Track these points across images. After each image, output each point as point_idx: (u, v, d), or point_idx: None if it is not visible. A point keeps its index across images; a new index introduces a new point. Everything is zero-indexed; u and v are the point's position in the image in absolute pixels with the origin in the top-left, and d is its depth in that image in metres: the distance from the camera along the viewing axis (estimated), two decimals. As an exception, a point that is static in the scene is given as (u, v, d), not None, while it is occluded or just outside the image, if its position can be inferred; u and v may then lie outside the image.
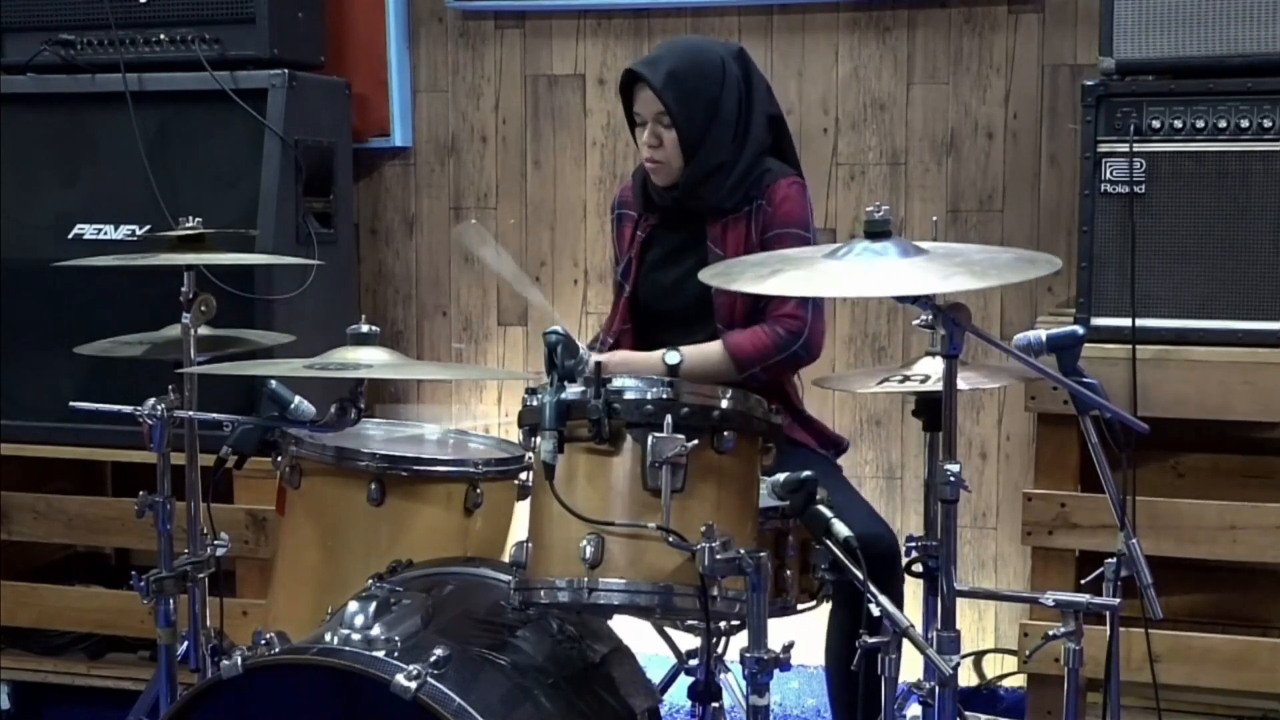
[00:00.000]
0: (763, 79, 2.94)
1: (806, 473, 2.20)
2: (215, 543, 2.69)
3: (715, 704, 2.15)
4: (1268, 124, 2.84)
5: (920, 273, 2.08)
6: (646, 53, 3.80)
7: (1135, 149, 2.89)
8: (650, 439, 2.07)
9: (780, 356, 2.80)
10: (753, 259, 2.40)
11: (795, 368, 2.88)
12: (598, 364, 2.14)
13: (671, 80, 2.79)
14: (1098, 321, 2.92)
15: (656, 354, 2.79)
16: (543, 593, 2.14)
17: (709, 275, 2.28)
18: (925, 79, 3.71)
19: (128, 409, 2.59)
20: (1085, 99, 2.93)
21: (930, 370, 2.59)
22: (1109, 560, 2.21)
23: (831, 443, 2.99)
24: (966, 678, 3.60)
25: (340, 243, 3.78)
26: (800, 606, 2.33)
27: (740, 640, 2.15)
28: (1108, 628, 2.24)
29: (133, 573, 2.65)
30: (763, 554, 2.07)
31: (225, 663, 2.09)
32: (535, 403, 2.12)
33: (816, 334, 2.83)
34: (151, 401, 2.58)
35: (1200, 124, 2.87)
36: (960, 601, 2.10)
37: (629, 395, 2.11)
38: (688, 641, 3.00)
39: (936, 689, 2.06)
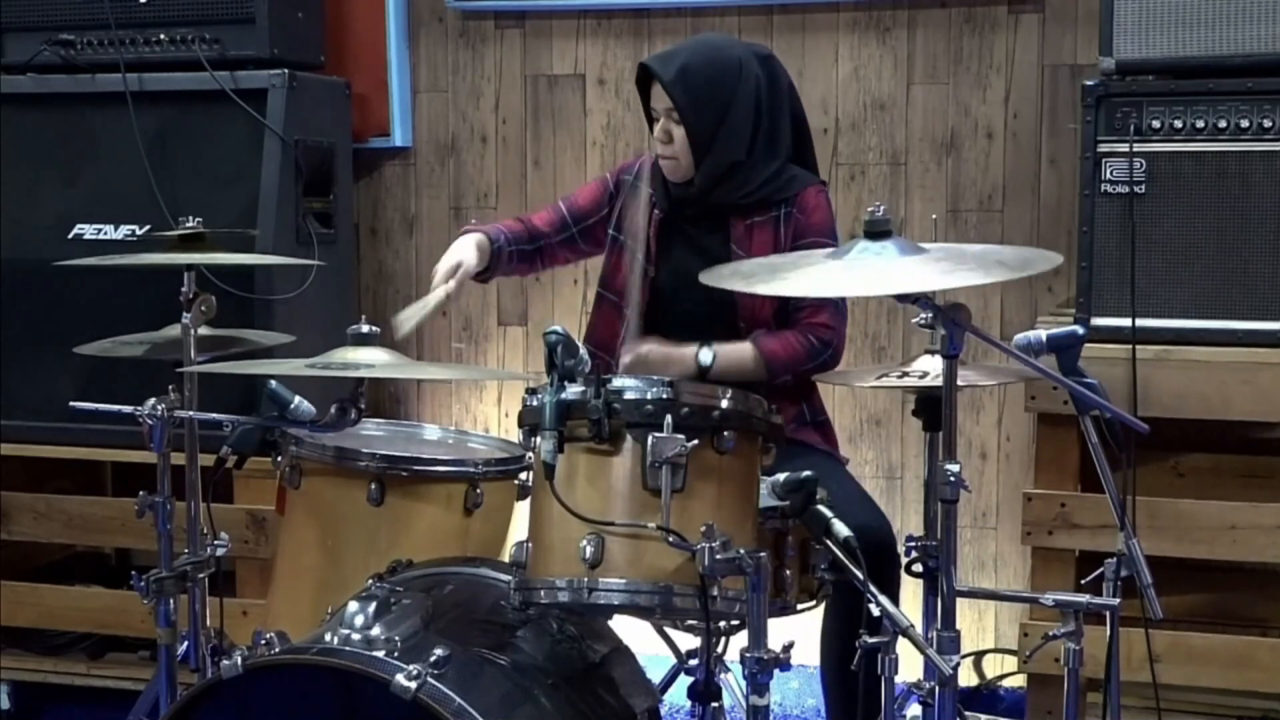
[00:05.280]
0: (789, 82, 2.95)
1: (806, 473, 2.20)
2: (215, 543, 2.69)
3: (715, 704, 2.15)
4: (1268, 124, 2.84)
5: (921, 270, 2.08)
6: (646, 53, 3.82)
7: (1135, 149, 2.89)
8: (650, 439, 2.07)
9: (811, 365, 2.85)
10: (759, 263, 2.42)
11: (820, 372, 2.91)
12: (597, 364, 2.14)
13: (682, 77, 2.79)
14: (1098, 321, 2.92)
15: (690, 350, 2.81)
16: (543, 593, 2.14)
17: (710, 277, 2.29)
18: (925, 79, 3.71)
19: (128, 409, 2.58)
20: (1085, 99, 2.93)
21: (929, 368, 2.59)
22: (1109, 560, 2.21)
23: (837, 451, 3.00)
24: (966, 678, 3.60)
25: (340, 243, 3.78)
26: (800, 606, 2.33)
27: (740, 640, 2.15)
28: (1108, 628, 2.24)
29: (133, 573, 2.65)
30: (763, 554, 2.07)
31: (225, 663, 2.08)
32: (535, 403, 2.12)
33: (843, 340, 2.90)
34: (151, 401, 2.57)
35: (1200, 124, 2.87)
36: (960, 601, 2.10)
37: (629, 395, 2.11)
38: (688, 641, 3.00)
39: (936, 689, 2.06)
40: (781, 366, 2.83)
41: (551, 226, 3.03)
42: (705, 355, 2.80)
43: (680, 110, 2.80)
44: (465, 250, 2.91)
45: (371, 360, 2.43)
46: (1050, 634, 2.25)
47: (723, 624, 2.32)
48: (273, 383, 2.45)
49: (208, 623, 2.71)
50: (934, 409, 2.45)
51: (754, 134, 2.85)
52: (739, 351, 2.82)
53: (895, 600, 2.50)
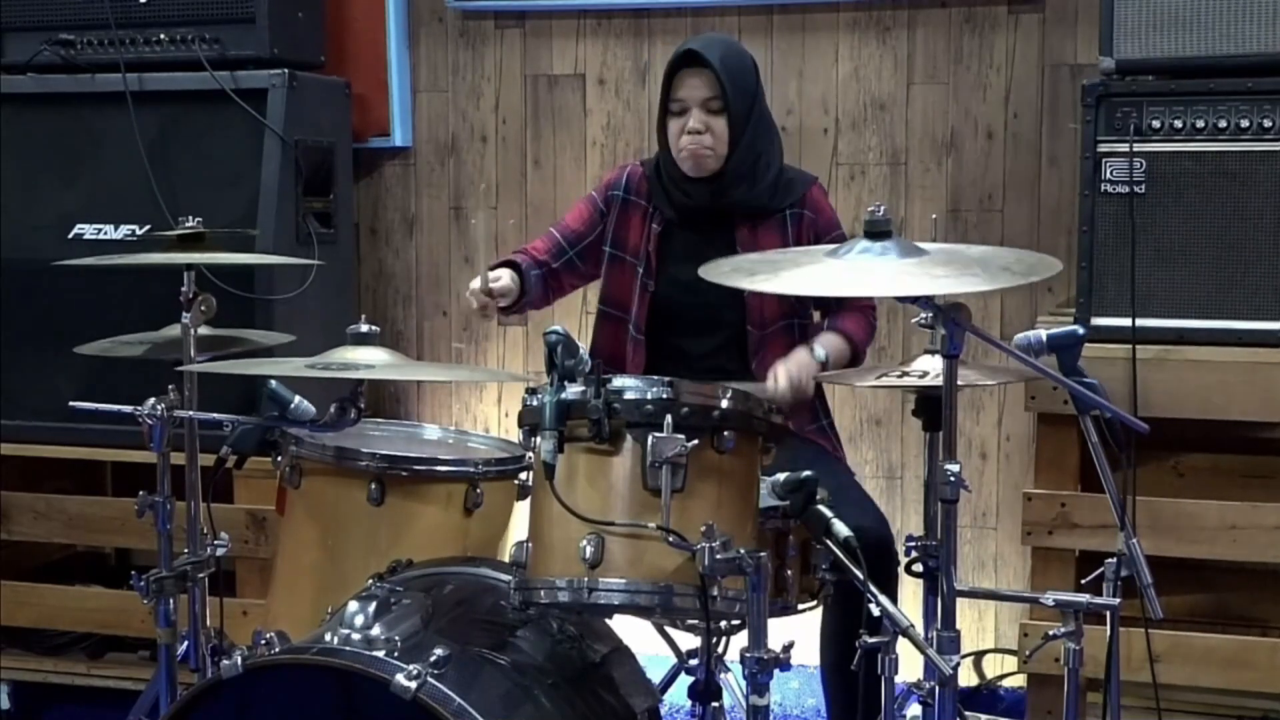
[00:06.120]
0: None
1: (806, 473, 2.20)
2: (215, 543, 2.69)
3: (715, 704, 2.15)
4: (1268, 124, 2.84)
5: (925, 272, 2.08)
6: (646, 52, 3.84)
7: (1135, 149, 2.89)
8: (650, 439, 2.07)
9: (871, 341, 2.99)
10: (754, 257, 2.42)
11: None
12: (597, 363, 2.14)
13: (725, 64, 2.82)
14: (1098, 321, 2.92)
15: (805, 353, 2.82)
16: (543, 592, 2.14)
17: (710, 272, 2.28)
18: (925, 79, 3.71)
19: (128, 409, 2.59)
20: (1085, 99, 2.93)
21: (929, 368, 2.59)
22: (1109, 560, 2.21)
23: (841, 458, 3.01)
24: (966, 678, 3.60)
25: (340, 243, 3.78)
26: (800, 606, 2.33)
27: (740, 640, 2.15)
28: (1108, 628, 2.24)
29: (133, 573, 2.65)
30: (763, 554, 2.07)
31: (225, 663, 2.09)
32: (535, 403, 2.12)
33: None
34: (151, 401, 2.57)
35: (1200, 124, 2.87)
36: (960, 601, 2.10)
37: (629, 395, 2.11)
38: (688, 641, 3.00)
39: (936, 689, 2.06)
40: (861, 345, 2.93)
41: (550, 254, 3.02)
42: (819, 352, 2.84)
43: (727, 98, 2.81)
44: (500, 271, 2.88)
45: (371, 360, 2.43)
46: (1050, 634, 2.25)
47: (723, 624, 2.32)
48: (273, 383, 2.45)
49: (208, 623, 2.71)
50: (934, 409, 2.45)
51: (768, 126, 2.88)
52: (836, 343, 2.88)
53: (894, 600, 2.50)
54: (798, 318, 2.94)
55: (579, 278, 3.08)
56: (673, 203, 2.93)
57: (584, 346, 2.16)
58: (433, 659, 2.04)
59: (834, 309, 2.98)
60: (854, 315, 2.94)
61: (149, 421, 2.57)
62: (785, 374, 2.73)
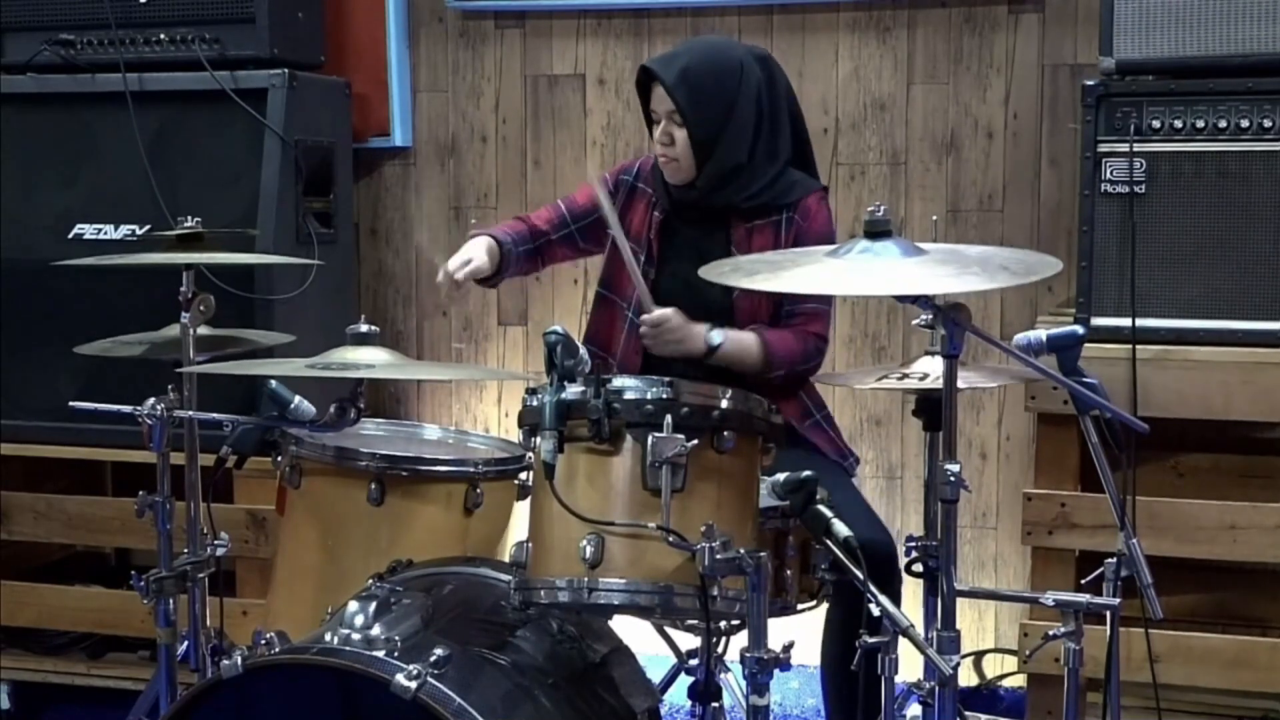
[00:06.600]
0: (787, 83, 2.94)
1: (807, 473, 2.20)
2: (215, 543, 2.69)
3: (715, 704, 2.15)
4: (1268, 124, 2.84)
5: (924, 272, 2.08)
6: (646, 53, 3.83)
7: (1135, 149, 2.89)
8: (650, 439, 2.07)
9: (803, 366, 2.87)
10: (754, 257, 2.42)
11: (805, 377, 2.93)
12: (597, 364, 2.14)
13: (684, 79, 2.79)
14: (1098, 321, 2.92)
15: (702, 329, 2.78)
16: (543, 592, 2.14)
17: (710, 273, 2.28)
18: (925, 79, 3.71)
19: (128, 409, 2.59)
20: (1085, 99, 2.93)
21: (929, 369, 2.59)
22: (1109, 560, 2.21)
23: (844, 452, 2.99)
24: (966, 678, 3.60)
25: (340, 243, 3.78)
26: (800, 606, 2.33)
27: (740, 640, 2.15)
28: (1108, 628, 2.24)
29: (133, 573, 2.65)
30: (763, 554, 2.07)
31: (225, 663, 2.09)
32: (535, 403, 2.12)
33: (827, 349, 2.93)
34: (151, 401, 2.58)
35: (1200, 124, 2.87)
36: (960, 601, 2.10)
37: (629, 395, 2.11)
38: (688, 641, 3.00)
39: (936, 689, 2.06)
40: (780, 361, 2.82)
41: (550, 225, 3.03)
42: (715, 336, 2.78)
43: (682, 112, 2.80)
44: (476, 250, 2.90)
45: (371, 360, 2.43)
46: (1050, 634, 2.25)
47: (723, 624, 2.32)
48: (273, 383, 2.45)
49: (208, 623, 2.71)
50: (934, 409, 2.46)
51: (755, 136, 2.85)
52: (744, 339, 2.81)
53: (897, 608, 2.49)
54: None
55: (576, 252, 3.10)
56: (670, 198, 2.94)
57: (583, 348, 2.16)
58: (433, 659, 2.04)
59: (778, 323, 2.90)
60: (788, 334, 2.85)
61: (149, 421, 2.57)
62: (665, 317, 2.74)
